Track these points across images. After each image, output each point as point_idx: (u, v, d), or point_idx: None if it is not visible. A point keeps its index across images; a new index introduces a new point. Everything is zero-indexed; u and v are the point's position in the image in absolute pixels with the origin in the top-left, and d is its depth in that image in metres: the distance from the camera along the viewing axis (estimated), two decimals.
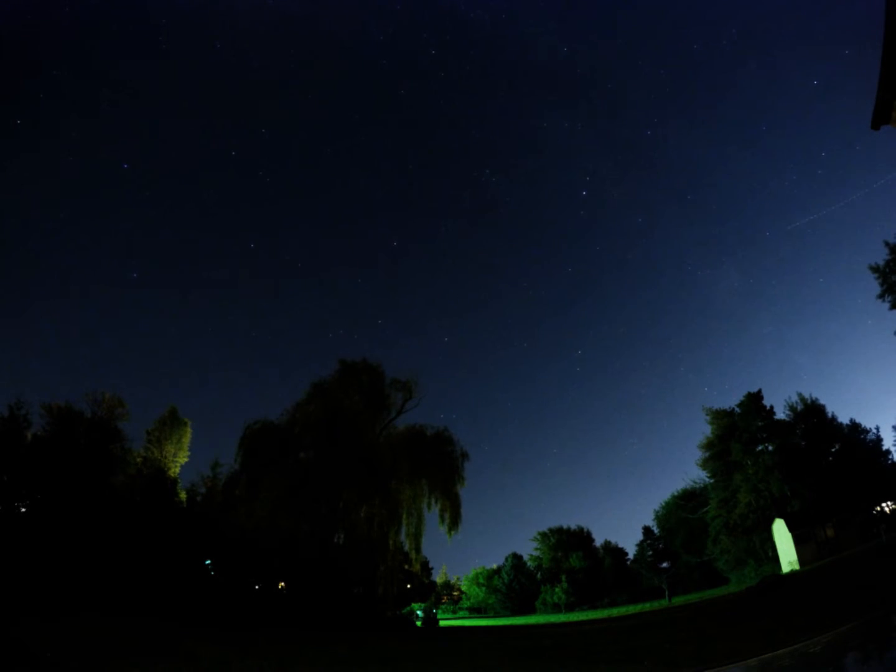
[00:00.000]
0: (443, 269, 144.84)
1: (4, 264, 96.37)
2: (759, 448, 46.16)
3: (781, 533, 40.67)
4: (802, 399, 48.44)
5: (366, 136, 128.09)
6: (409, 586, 53.75)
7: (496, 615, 64.29)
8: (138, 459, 38.86)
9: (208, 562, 31.18)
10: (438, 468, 33.90)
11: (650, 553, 56.90)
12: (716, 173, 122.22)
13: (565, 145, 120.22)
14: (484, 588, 69.04)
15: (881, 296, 34.67)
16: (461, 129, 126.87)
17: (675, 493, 56.35)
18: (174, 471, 42.34)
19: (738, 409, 47.97)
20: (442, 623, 46.68)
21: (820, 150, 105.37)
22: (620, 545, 68.93)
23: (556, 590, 59.82)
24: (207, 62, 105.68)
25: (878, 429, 47.03)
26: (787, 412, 48.23)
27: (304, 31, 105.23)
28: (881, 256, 34.07)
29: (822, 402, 48.26)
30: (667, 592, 49.86)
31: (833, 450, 46.74)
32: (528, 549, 71.52)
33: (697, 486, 53.58)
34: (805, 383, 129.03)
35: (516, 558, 69.35)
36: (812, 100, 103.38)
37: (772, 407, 47.22)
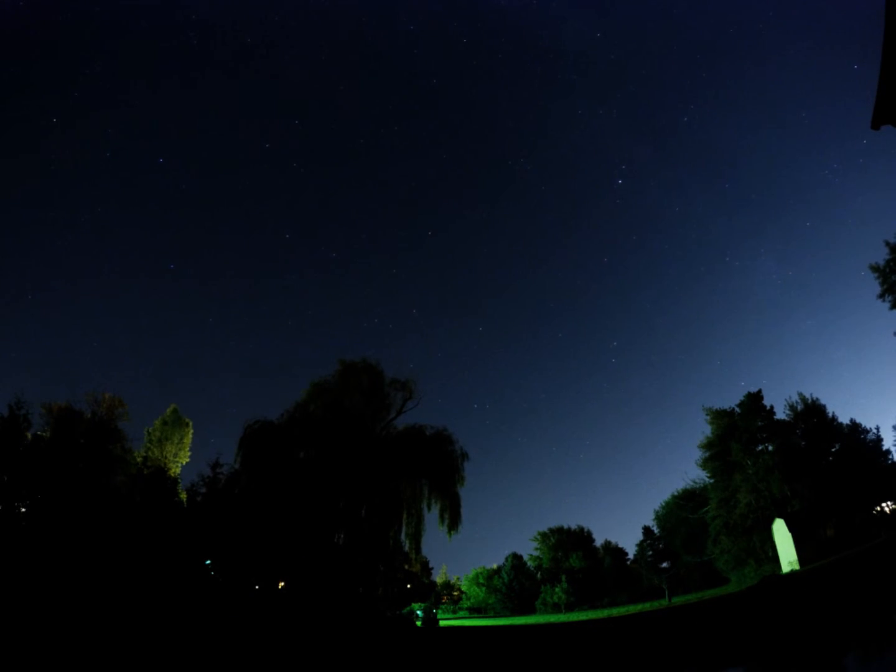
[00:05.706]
0: (477, 257, 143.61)
1: (7, 264, 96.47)
2: (759, 448, 46.20)
3: (781, 533, 40.70)
4: (803, 399, 48.55)
5: (398, 126, 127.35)
6: (409, 586, 53.83)
7: (496, 615, 64.23)
8: (139, 459, 38.88)
9: (208, 562, 31.19)
10: (438, 468, 33.85)
11: (650, 553, 56.87)
12: (754, 161, 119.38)
13: (600, 133, 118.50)
14: (484, 588, 68.94)
15: (881, 296, 34.63)
16: (494, 118, 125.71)
17: (675, 493, 56.46)
18: (175, 471, 42.35)
19: (738, 409, 48.04)
20: (442, 623, 46.61)
21: (861, 138, 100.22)
22: (620, 545, 69.11)
23: (557, 590, 59.76)
24: (239, 56, 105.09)
25: (878, 429, 47.15)
26: (787, 412, 48.33)
27: (336, 23, 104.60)
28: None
29: (822, 402, 48.41)
30: (667, 592, 49.84)
31: (833, 450, 46.76)
32: (528, 549, 71.56)
33: (697, 486, 53.63)
34: (844, 380, 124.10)
35: (516, 558, 69.29)
36: (853, 85, 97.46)
37: (772, 407, 47.40)
